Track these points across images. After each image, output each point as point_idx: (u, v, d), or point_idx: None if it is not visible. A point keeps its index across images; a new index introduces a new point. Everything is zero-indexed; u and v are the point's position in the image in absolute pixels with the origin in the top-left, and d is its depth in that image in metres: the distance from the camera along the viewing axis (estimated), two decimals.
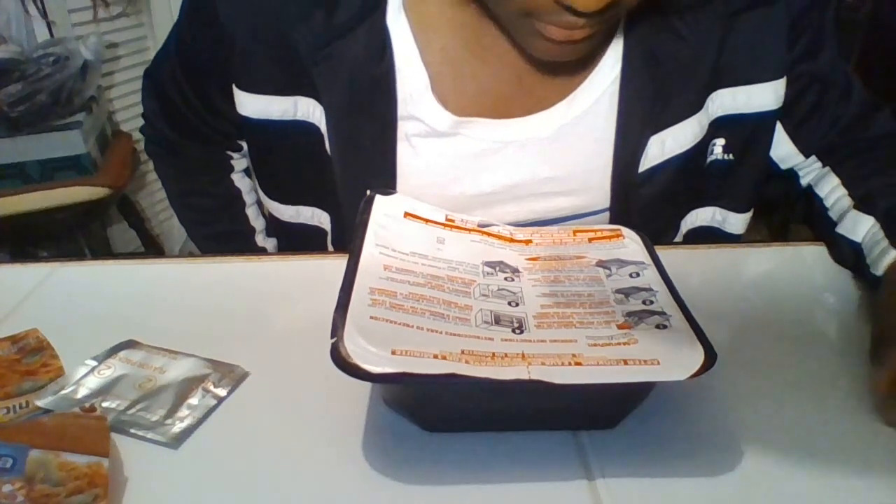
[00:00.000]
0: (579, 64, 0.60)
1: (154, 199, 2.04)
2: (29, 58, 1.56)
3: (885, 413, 0.43)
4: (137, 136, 0.83)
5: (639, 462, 0.40)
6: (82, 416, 0.42)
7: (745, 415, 0.44)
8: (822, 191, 0.65)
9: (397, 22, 0.59)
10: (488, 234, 0.56)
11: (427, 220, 0.56)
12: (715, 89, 0.62)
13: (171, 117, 0.75)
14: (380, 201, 0.55)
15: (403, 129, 0.61)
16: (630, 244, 0.54)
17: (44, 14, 1.66)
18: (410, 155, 0.62)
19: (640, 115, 0.61)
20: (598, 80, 0.61)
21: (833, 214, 0.62)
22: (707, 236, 0.69)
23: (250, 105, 0.64)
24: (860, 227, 0.58)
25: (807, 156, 0.66)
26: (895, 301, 0.47)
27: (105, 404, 0.44)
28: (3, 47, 1.57)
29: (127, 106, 1.93)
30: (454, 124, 0.61)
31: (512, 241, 0.56)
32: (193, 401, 0.45)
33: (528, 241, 0.56)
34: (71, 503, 0.35)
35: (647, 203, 0.64)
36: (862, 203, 0.59)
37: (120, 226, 1.94)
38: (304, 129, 0.63)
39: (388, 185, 0.62)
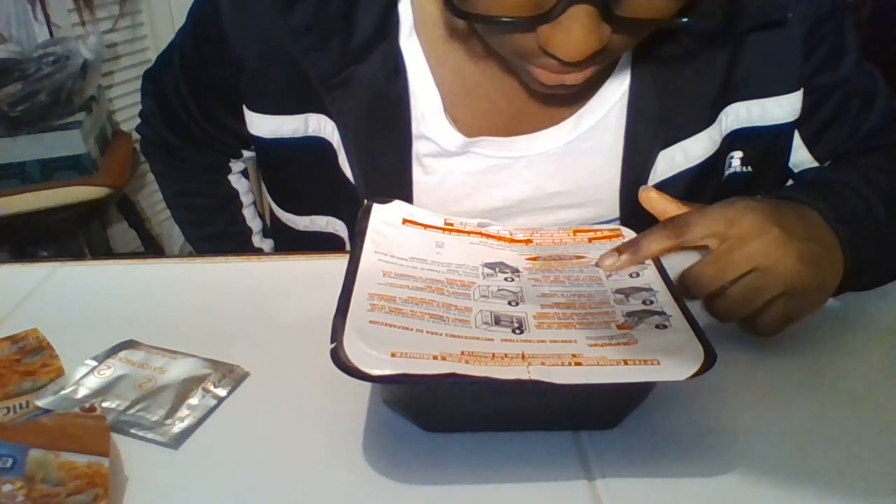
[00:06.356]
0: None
1: (154, 199, 2.04)
2: (29, 58, 1.56)
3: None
4: (137, 135, 0.83)
5: (639, 462, 0.40)
6: (82, 416, 0.42)
7: (745, 415, 0.44)
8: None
9: (410, 44, 0.59)
10: (487, 236, 0.56)
11: (426, 226, 0.56)
12: (728, 104, 0.61)
13: (170, 122, 0.75)
14: (377, 210, 0.55)
15: (416, 148, 0.62)
16: None
17: (44, 14, 1.66)
18: (421, 173, 0.63)
19: (648, 130, 0.61)
20: (605, 95, 0.61)
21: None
22: None
23: (262, 125, 0.64)
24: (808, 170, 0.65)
25: (822, 162, 0.65)
26: (730, 203, 0.47)
27: (105, 404, 0.44)
28: (3, 47, 1.57)
29: (127, 106, 1.93)
30: (464, 144, 0.61)
31: (512, 241, 0.56)
32: (193, 401, 0.45)
33: (527, 241, 0.56)
34: (71, 503, 0.35)
35: None
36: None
37: (120, 226, 1.94)
38: (316, 145, 0.63)
39: (405, 201, 0.62)
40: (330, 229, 0.69)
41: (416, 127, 0.61)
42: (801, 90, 0.61)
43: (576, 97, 0.61)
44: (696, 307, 0.46)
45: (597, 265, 0.48)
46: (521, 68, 0.53)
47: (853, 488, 0.39)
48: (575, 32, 0.44)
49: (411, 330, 0.41)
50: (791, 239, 0.45)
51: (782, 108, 0.62)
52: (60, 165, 1.57)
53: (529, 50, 0.48)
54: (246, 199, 0.80)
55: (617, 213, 0.64)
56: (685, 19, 0.46)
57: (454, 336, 0.41)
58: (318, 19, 0.58)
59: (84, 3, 1.73)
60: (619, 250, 0.47)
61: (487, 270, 0.51)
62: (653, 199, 0.57)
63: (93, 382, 0.46)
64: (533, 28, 0.46)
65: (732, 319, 0.47)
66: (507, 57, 0.54)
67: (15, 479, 0.35)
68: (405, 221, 0.55)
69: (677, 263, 0.49)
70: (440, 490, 0.39)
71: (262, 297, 0.57)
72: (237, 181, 0.79)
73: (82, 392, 0.45)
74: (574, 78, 0.50)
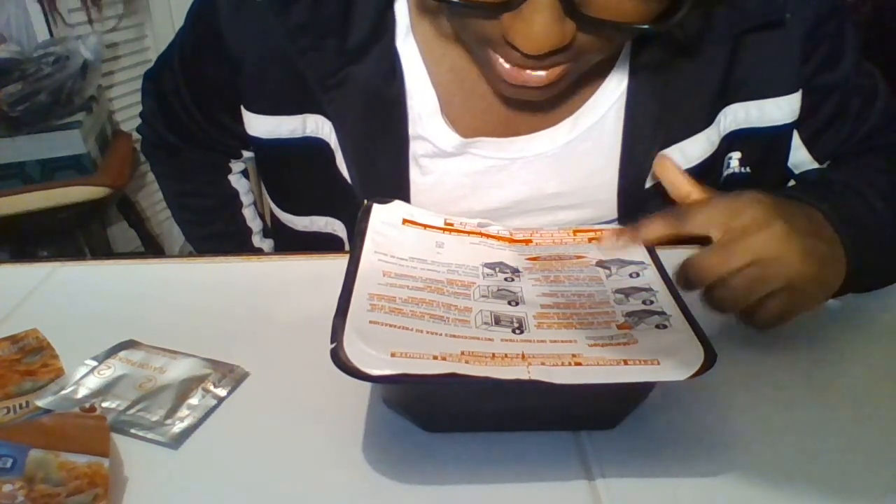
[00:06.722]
0: (584, 82, 0.60)
1: (154, 199, 2.04)
2: (29, 58, 1.56)
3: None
4: (137, 135, 0.83)
5: (639, 462, 0.40)
6: (82, 416, 0.43)
7: (744, 415, 0.44)
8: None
9: (406, 44, 0.59)
10: (487, 236, 0.56)
11: (426, 226, 0.56)
12: (727, 104, 0.61)
13: (170, 123, 0.75)
14: (377, 210, 0.55)
15: (413, 149, 0.62)
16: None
17: (44, 14, 1.66)
18: (418, 174, 0.63)
19: (646, 131, 0.60)
20: (603, 96, 0.61)
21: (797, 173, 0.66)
22: None
23: (260, 126, 0.64)
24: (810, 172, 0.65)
25: (822, 163, 0.65)
26: (736, 196, 0.48)
27: (105, 404, 0.44)
28: (3, 47, 1.57)
29: (127, 106, 1.93)
30: (461, 145, 0.61)
31: (511, 241, 0.56)
32: (193, 401, 0.45)
33: (527, 241, 0.56)
34: (71, 503, 0.35)
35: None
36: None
37: (120, 226, 1.94)
38: (314, 146, 0.63)
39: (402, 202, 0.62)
40: (329, 230, 0.70)
41: (413, 127, 0.61)
42: (800, 91, 0.61)
43: (577, 88, 0.60)
44: (696, 307, 0.46)
45: (592, 240, 0.49)
46: (485, 62, 0.52)
47: (853, 488, 0.39)
48: (535, 24, 0.44)
49: (411, 330, 0.41)
50: (795, 233, 0.45)
51: (781, 109, 0.62)
52: (60, 165, 1.57)
53: (492, 37, 0.48)
54: (246, 199, 0.80)
55: (615, 214, 0.64)
56: (647, 26, 0.45)
57: (454, 336, 0.41)
58: (314, 19, 0.58)
59: (92, 2, 1.73)
60: (619, 232, 0.49)
61: (487, 270, 0.51)
62: (667, 168, 0.56)
63: (93, 382, 0.46)
64: (496, 15, 0.46)
65: (731, 310, 0.47)
66: (472, 46, 0.53)
67: (15, 479, 0.35)
68: (405, 221, 0.55)
69: (677, 262, 0.49)
70: (440, 490, 0.39)
71: (262, 297, 0.57)
72: (237, 181, 0.79)
73: (82, 392, 0.45)
74: (537, 79, 0.49)
